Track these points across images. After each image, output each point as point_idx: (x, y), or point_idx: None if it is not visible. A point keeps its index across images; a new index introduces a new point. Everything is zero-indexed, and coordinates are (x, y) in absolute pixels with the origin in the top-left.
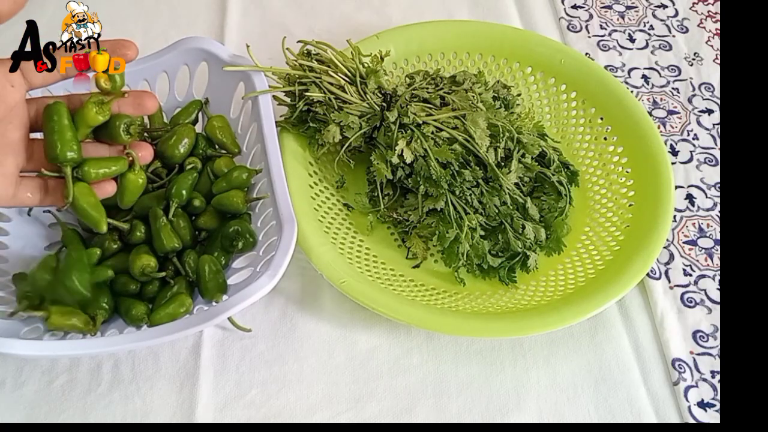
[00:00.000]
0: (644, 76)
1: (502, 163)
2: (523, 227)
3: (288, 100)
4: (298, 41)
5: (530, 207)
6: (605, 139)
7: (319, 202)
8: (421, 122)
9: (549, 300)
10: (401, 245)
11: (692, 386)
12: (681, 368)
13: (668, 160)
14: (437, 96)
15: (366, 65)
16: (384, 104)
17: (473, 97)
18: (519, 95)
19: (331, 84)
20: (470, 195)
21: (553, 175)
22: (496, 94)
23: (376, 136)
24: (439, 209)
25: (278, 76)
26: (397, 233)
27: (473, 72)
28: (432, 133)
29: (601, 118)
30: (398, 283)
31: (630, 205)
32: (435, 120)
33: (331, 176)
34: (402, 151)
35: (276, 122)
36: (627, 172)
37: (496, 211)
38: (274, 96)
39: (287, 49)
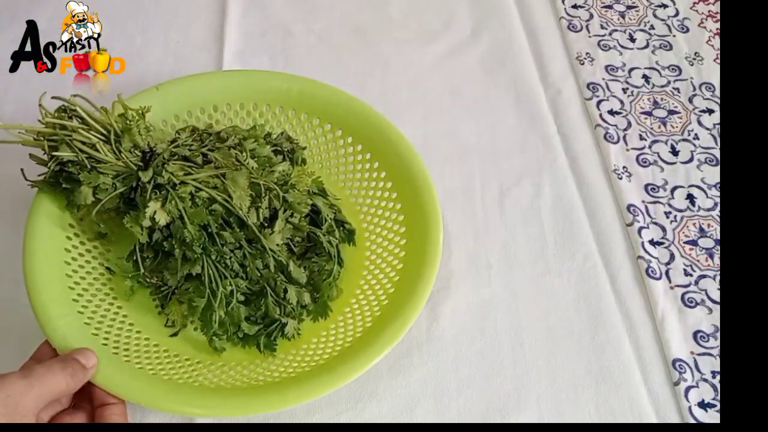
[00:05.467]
0: (645, 76)
1: (266, 224)
2: (286, 291)
3: (47, 158)
4: (53, 97)
5: (294, 270)
6: (387, 195)
7: (76, 267)
8: (178, 182)
9: (313, 367)
10: (162, 312)
11: (693, 386)
12: (681, 368)
13: (439, 223)
14: (199, 153)
15: (127, 122)
16: (141, 164)
17: (238, 154)
18: (305, 148)
19: (84, 143)
20: (230, 258)
21: (325, 235)
22: (279, 147)
23: (135, 197)
24: (195, 274)
25: (31, 133)
26: (158, 299)
27: (245, 126)
28: (191, 193)
29: (385, 173)
30: (147, 355)
31: (399, 267)
32: (194, 179)
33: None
34: (155, 213)
35: (32, 182)
36: (402, 231)
37: (259, 274)
38: (30, 155)
39: (40, 105)
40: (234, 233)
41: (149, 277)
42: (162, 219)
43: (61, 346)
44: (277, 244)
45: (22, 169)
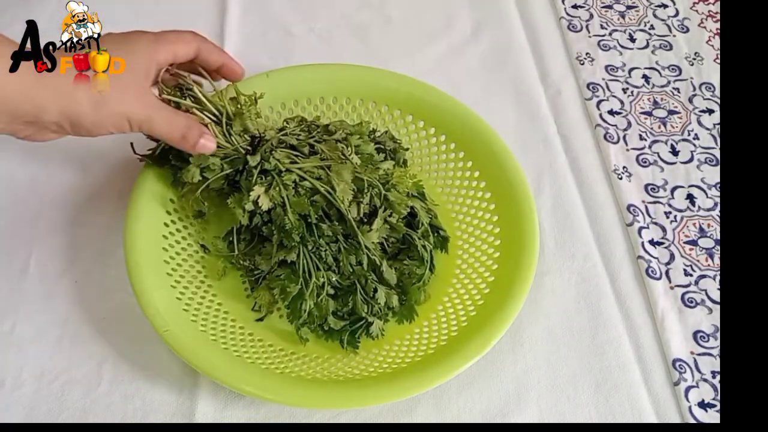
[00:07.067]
0: (645, 76)
1: (365, 220)
2: (375, 290)
3: None
4: (171, 73)
5: (386, 270)
6: (485, 206)
7: (172, 242)
8: (284, 169)
9: (394, 369)
10: (250, 295)
11: (693, 386)
12: (682, 368)
13: (536, 248)
14: (306, 144)
15: (239, 106)
16: (249, 148)
17: (344, 148)
18: (407, 149)
19: None
20: (324, 251)
21: (420, 239)
22: (381, 146)
23: (239, 179)
24: (289, 261)
25: None
26: (249, 282)
27: (352, 121)
28: (294, 182)
29: (485, 183)
30: (232, 337)
31: (491, 279)
32: (299, 168)
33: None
34: (258, 197)
35: (141, 155)
36: (497, 243)
37: (351, 270)
38: None
39: (159, 81)
40: (332, 226)
41: (242, 260)
42: (265, 204)
43: (154, 318)
44: (373, 243)
45: (131, 144)
